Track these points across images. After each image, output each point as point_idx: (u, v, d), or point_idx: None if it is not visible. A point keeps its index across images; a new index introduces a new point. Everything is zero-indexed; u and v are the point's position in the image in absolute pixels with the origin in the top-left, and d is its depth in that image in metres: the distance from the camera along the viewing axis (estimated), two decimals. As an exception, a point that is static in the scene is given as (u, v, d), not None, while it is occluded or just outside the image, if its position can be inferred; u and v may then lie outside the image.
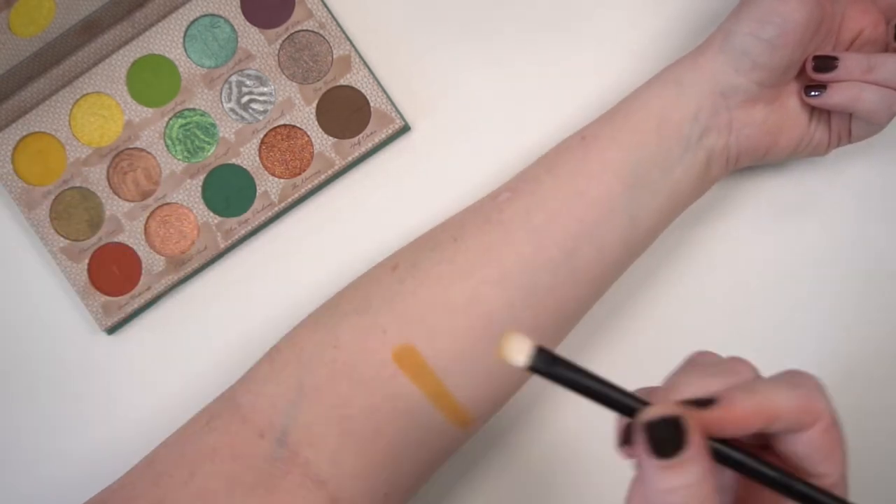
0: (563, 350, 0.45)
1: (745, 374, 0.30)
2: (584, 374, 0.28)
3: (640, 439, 0.26)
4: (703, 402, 0.27)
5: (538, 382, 0.48)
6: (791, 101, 0.43)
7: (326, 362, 0.40)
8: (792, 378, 0.29)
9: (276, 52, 0.48)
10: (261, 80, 0.48)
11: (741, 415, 0.27)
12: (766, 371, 0.48)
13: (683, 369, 0.30)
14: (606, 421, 0.48)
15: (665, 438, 0.26)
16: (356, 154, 0.48)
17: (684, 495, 0.26)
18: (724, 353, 0.48)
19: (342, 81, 0.48)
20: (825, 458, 0.29)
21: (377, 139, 0.48)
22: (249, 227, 0.48)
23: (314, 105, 0.48)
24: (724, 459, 0.28)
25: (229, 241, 0.48)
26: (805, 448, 0.28)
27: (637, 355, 0.48)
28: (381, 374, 0.39)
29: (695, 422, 0.26)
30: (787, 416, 0.28)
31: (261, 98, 0.48)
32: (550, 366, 0.27)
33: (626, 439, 0.28)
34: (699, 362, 0.30)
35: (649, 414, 0.27)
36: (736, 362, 0.31)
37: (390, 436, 0.39)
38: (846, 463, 0.29)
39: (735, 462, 0.28)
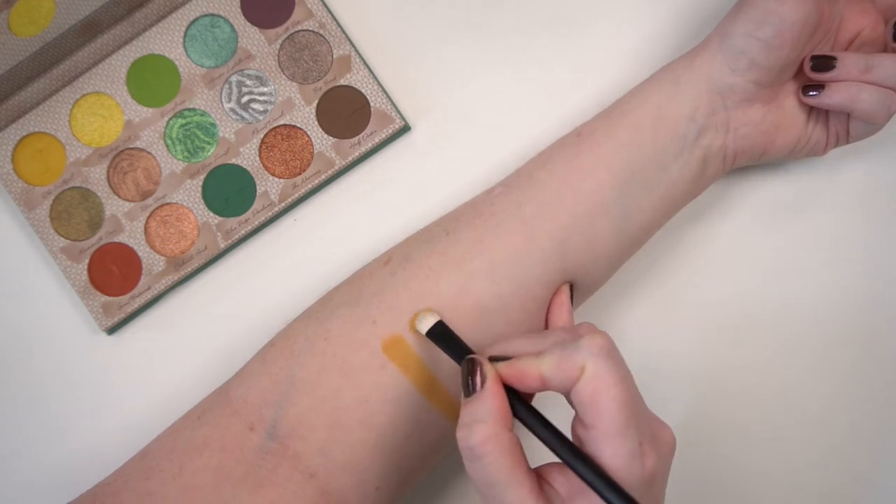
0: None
1: (549, 342, 0.35)
2: (460, 345, 0.37)
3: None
4: (502, 359, 0.35)
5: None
6: (789, 101, 0.44)
7: (317, 354, 0.40)
8: (567, 342, 0.34)
9: (276, 52, 0.48)
10: (261, 80, 0.48)
11: (517, 373, 0.34)
12: (771, 368, 0.48)
13: (519, 336, 0.36)
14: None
15: (470, 381, 0.34)
16: (356, 154, 0.48)
17: (483, 427, 0.32)
18: (722, 354, 0.48)
19: (342, 81, 0.48)
20: (587, 410, 0.32)
21: (377, 139, 0.48)
22: (249, 227, 0.48)
23: (314, 105, 0.48)
24: (516, 415, 0.34)
25: (229, 241, 0.48)
26: (574, 402, 0.33)
27: (633, 353, 0.48)
28: (371, 364, 0.39)
29: (490, 368, 0.34)
30: (552, 377, 0.33)
31: (261, 98, 0.48)
32: (439, 337, 0.37)
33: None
34: (540, 333, 0.36)
35: (463, 362, 0.35)
36: (560, 332, 0.36)
37: (380, 427, 0.39)
38: (618, 416, 0.32)
39: (520, 418, 0.34)
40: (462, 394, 0.35)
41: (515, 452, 0.33)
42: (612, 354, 0.33)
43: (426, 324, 0.38)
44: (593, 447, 0.32)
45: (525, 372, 0.34)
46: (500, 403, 0.34)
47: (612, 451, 0.32)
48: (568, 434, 0.34)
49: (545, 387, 0.34)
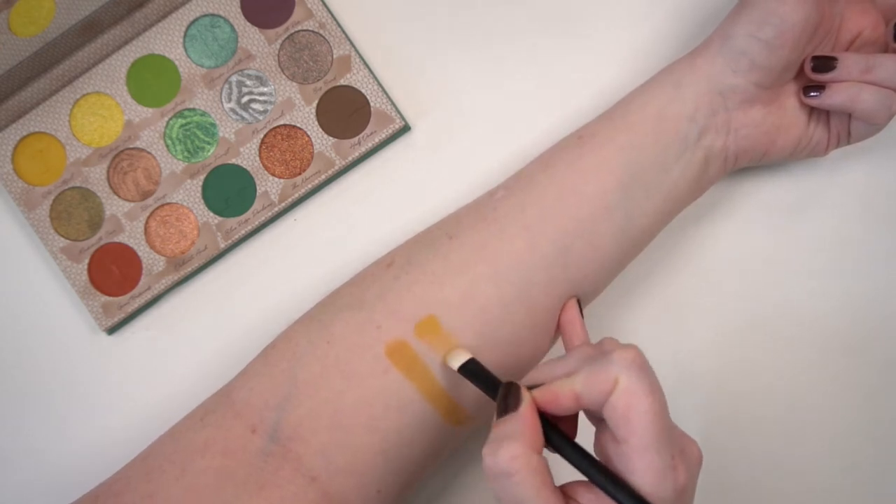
0: (558, 348, 0.46)
1: (576, 361, 0.35)
2: (492, 379, 0.37)
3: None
4: (533, 387, 0.35)
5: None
6: (790, 102, 0.43)
7: (319, 357, 0.40)
8: (597, 357, 0.34)
9: (276, 52, 0.48)
10: (261, 80, 0.48)
11: (552, 396, 0.34)
12: (772, 368, 0.48)
13: (548, 362, 0.36)
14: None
15: (505, 404, 0.34)
16: (356, 154, 0.48)
17: (515, 445, 0.33)
18: (722, 354, 0.48)
19: (342, 81, 0.48)
20: (620, 424, 0.32)
21: (377, 139, 0.48)
22: (249, 227, 0.48)
23: (314, 105, 0.48)
24: (549, 441, 0.34)
25: (229, 241, 0.48)
26: (607, 416, 0.33)
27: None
28: (375, 369, 0.39)
29: (526, 392, 0.34)
30: (586, 393, 0.33)
31: (261, 98, 0.48)
32: (471, 373, 0.38)
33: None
34: (566, 356, 0.36)
35: (501, 386, 0.36)
36: (587, 348, 0.36)
37: (383, 432, 0.39)
38: (650, 430, 0.32)
39: (552, 442, 0.34)
40: (495, 415, 0.35)
41: (544, 473, 0.33)
42: (644, 367, 0.33)
43: (458, 361, 0.38)
44: (625, 462, 0.32)
45: (559, 393, 0.34)
46: (532, 425, 0.34)
47: (644, 466, 0.32)
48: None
49: (579, 405, 0.34)
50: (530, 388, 0.35)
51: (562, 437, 0.34)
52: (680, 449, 0.33)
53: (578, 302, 0.41)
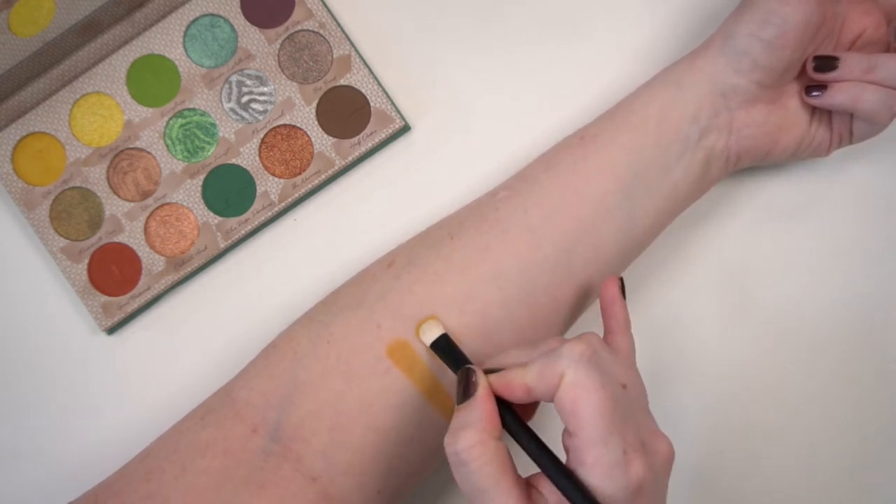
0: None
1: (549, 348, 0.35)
2: (461, 357, 0.38)
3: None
4: (493, 371, 0.35)
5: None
6: (792, 102, 0.43)
7: (320, 357, 0.40)
8: (551, 349, 0.34)
9: (276, 51, 0.48)
10: (261, 80, 0.48)
11: (505, 384, 0.34)
12: (773, 369, 0.48)
13: (514, 348, 0.37)
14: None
15: (464, 390, 0.35)
16: (356, 154, 0.48)
17: (470, 433, 0.33)
18: (722, 354, 0.48)
19: (342, 81, 0.48)
20: (569, 417, 0.33)
21: (377, 139, 0.48)
22: (249, 227, 0.48)
23: (314, 105, 0.48)
24: (505, 426, 0.35)
25: (229, 241, 0.48)
26: (558, 410, 0.33)
27: (637, 355, 0.48)
28: (375, 368, 0.39)
29: (483, 378, 0.35)
30: (536, 385, 0.34)
31: (261, 98, 0.48)
32: (441, 350, 0.38)
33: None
34: (532, 343, 0.37)
35: (459, 371, 0.36)
36: (551, 341, 0.36)
37: (383, 432, 0.39)
38: (599, 423, 0.32)
39: (507, 428, 0.35)
40: (455, 401, 0.35)
41: (503, 460, 0.33)
42: (593, 361, 0.33)
43: (430, 335, 0.39)
44: (576, 455, 0.32)
45: (512, 382, 0.34)
46: (488, 412, 0.34)
47: (592, 460, 0.32)
48: (557, 445, 0.34)
49: (531, 396, 0.34)
50: (490, 371, 0.36)
51: (517, 423, 0.35)
52: (639, 444, 0.33)
53: (621, 280, 0.39)
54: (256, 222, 0.48)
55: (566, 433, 0.33)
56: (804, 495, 0.47)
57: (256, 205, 0.48)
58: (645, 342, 0.48)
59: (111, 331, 0.48)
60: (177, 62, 0.48)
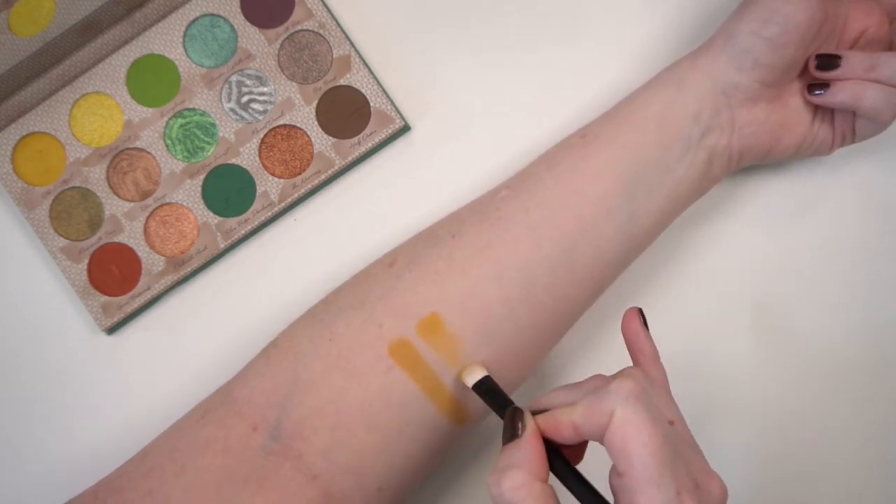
0: (563, 348, 0.45)
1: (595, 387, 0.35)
2: (504, 400, 0.38)
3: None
4: (539, 412, 0.35)
5: (536, 383, 0.48)
6: (794, 100, 0.43)
7: (321, 356, 0.40)
8: (598, 388, 0.34)
9: (276, 52, 0.48)
10: (261, 80, 0.48)
11: (553, 424, 0.34)
12: (774, 369, 0.48)
13: (560, 388, 0.36)
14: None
15: (510, 430, 0.34)
16: (356, 154, 0.48)
17: (517, 473, 0.32)
18: (725, 352, 0.48)
19: (342, 81, 0.48)
20: (619, 456, 0.32)
21: (377, 139, 0.48)
22: (249, 227, 0.48)
23: (314, 105, 0.48)
24: (553, 468, 0.34)
25: (229, 241, 0.48)
26: (607, 449, 0.32)
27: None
28: (377, 367, 0.39)
29: (530, 418, 0.34)
30: (584, 424, 0.33)
31: (261, 98, 0.48)
32: (484, 391, 0.38)
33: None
34: (577, 384, 0.36)
35: (507, 411, 0.35)
36: (596, 379, 0.36)
37: (384, 430, 0.39)
38: (650, 462, 0.31)
39: (555, 471, 0.34)
40: (502, 440, 0.35)
41: (549, 502, 0.32)
42: (642, 398, 0.32)
43: (473, 377, 0.39)
44: (627, 496, 0.31)
45: (560, 421, 0.34)
46: (536, 453, 0.33)
47: (644, 501, 0.31)
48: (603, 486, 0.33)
49: (579, 435, 0.33)
50: (536, 412, 0.35)
51: (564, 465, 0.34)
52: (693, 484, 0.32)
53: (641, 312, 0.39)
54: (256, 222, 0.48)
55: (614, 473, 0.32)
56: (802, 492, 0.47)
57: (256, 205, 0.48)
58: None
59: (111, 331, 0.48)
60: (177, 62, 0.48)
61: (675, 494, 0.31)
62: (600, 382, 0.34)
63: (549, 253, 0.41)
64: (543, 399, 0.36)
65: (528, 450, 0.33)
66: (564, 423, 0.33)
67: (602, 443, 0.33)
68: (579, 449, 0.37)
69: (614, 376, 0.34)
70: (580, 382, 0.36)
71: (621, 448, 0.31)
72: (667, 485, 0.31)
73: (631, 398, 0.32)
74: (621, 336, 0.48)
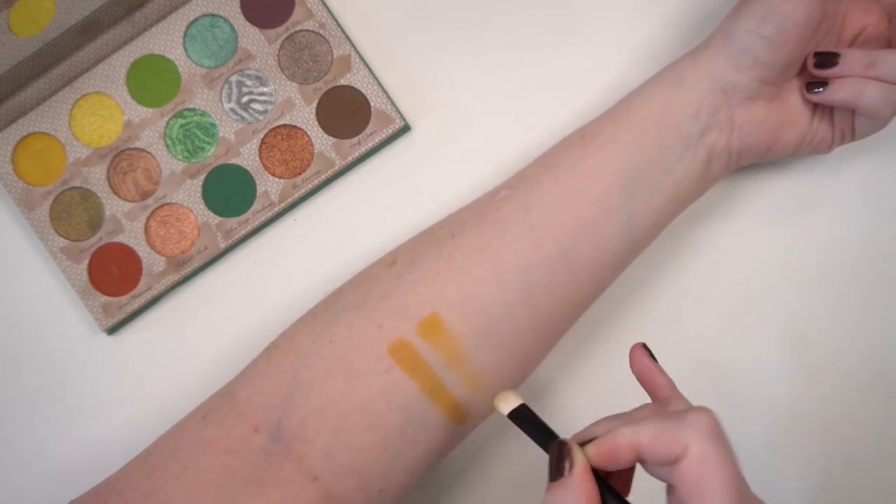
0: (563, 349, 0.45)
1: (643, 416, 0.33)
2: (540, 427, 0.35)
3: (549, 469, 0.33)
4: (587, 441, 0.33)
5: (536, 383, 0.47)
6: (793, 98, 0.43)
7: (323, 357, 0.40)
8: (669, 416, 0.32)
9: (276, 52, 0.48)
10: (261, 80, 0.48)
11: (609, 448, 0.32)
12: (775, 369, 0.47)
13: (608, 418, 0.35)
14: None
15: (558, 466, 0.32)
16: (356, 154, 0.48)
17: None
18: (725, 351, 0.48)
19: (342, 81, 0.48)
20: (692, 494, 0.30)
21: (377, 139, 0.48)
22: (249, 227, 0.48)
23: (314, 105, 0.48)
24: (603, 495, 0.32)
25: (229, 241, 0.48)
26: (677, 483, 0.31)
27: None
28: (377, 368, 0.39)
29: (579, 453, 0.32)
30: (650, 450, 0.31)
31: (261, 98, 0.48)
32: (521, 420, 0.36)
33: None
34: (628, 413, 0.35)
35: (552, 445, 0.33)
36: (651, 408, 0.35)
37: (385, 431, 0.39)
38: (724, 502, 0.30)
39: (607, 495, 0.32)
40: (548, 477, 0.33)
41: None
42: (720, 436, 0.31)
43: (508, 405, 0.36)
44: None
45: (618, 443, 0.32)
46: (588, 493, 0.32)
47: None
48: None
49: (638, 458, 0.32)
50: (584, 443, 0.33)
51: (616, 499, 0.32)
52: None
53: (646, 347, 0.38)
54: (256, 222, 0.48)
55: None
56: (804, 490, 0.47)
57: (256, 205, 0.48)
58: (644, 341, 0.48)
59: (111, 331, 0.48)
60: (177, 62, 0.48)
61: None
62: (661, 411, 0.33)
63: (548, 253, 0.41)
64: (590, 429, 0.34)
65: (579, 490, 0.31)
66: (623, 444, 0.31)
67: (663, 472, 0.31)
68: (627, 478, 0.35)
69: (681, 405, 0.33)
70: (631, 412, 0.34)
71: (697, 486, 0.30)
72: None
73: (711, 435, 0.31)
74: (621, 335, 0.48)
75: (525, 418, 0.36)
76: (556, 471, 0.32)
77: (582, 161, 0.42)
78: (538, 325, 0.41)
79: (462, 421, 0.41)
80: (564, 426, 0.47)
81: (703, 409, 0.32)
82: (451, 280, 0.40)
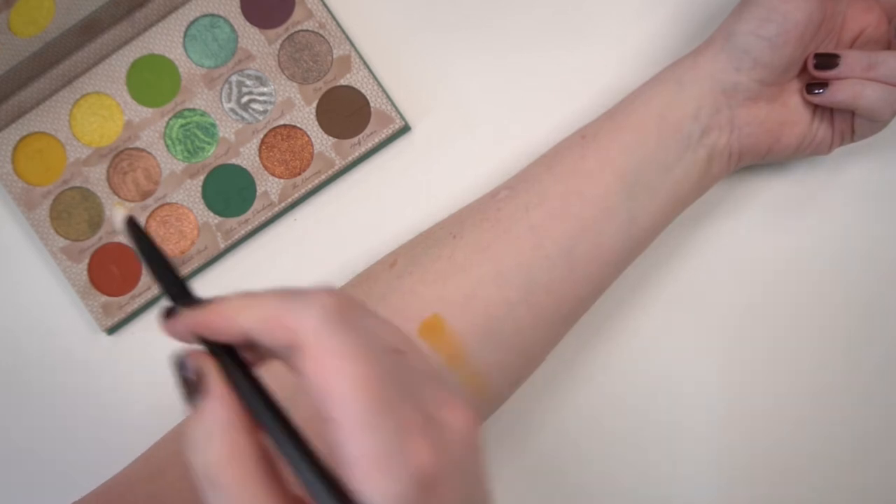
0: (562, 348, 0.45)
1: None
2: (154, 252, 0.28)
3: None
4: (202, 302, 0.27)
5: (538, 383, 0.47)
6: (793, 100, 0.43)
7: None
8: (286, 293, 0.26)
9: (276, 52, 0.48)
10: (261, 80, 0.48)
11: (210, 319, 0.26)
12: (774, 369, 0.48)
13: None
14: (605, 422, 0.48)
15: (187, 386, 0.26)
16: (356, 154, 0.48)
17: (211, 448, 0.25)
18: (724, 350, 0.48)
19: (342, 81, 0.48)
20: (319, 398, 0.24)
21: (377, 139, 0.48)
22: (249, 227, 0.48)
23: (314, 105, 0.48)
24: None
25: (229, 241, 0.48)
26: (306, 384, 0.25)
27: (637, 355, 0.48)
28: None
29: (211, 367, 0.26)
30: (258, 331, 0.25)
31: (261, 98, 0.48)
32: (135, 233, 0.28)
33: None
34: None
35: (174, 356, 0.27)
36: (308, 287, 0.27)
37: None
38: (358, 402, 0.24)
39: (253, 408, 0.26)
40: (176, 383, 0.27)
41: (260, 470, 0.25)
42: (347, 319, 0.25)
43: (118, 218, 0.28)
44: (336, 448, 0.24)
45: (218, 320, 0.26)
46: (226, 412, 0.25)
47: (356, 451, 0.24)
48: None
49: (248, 342, 0.26)
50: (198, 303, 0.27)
51: (268, 410, 0.25)
52: (425, 417, 0.25)
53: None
54: (256, 222, 0.48)
55: (318, 419, 0.25)
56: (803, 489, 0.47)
57: (256, 205, 0.48)
58: (645, 341, 0.48)
59: (111, 331, 0.48)
60: (177, 62, 0.48)
61: (395, 438, 0.24)
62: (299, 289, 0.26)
63: (549, 252, 0.41)
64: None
65: (218, 412, 0.25)
66: (225, 322, 0.25)
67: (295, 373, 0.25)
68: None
69: (309, 289, 0.26)
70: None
71: (320, 385, 0.24)
72: (384, 428, 0.24)
73: (330, 316, 0.24)
74: (621, 336, 0.48)
75: (140, 238, 0.28)
76: (187, 390, 0.26)
77: (582, 161, 0.42)
78: (539, 324, 0.41)
79: None
80: (564, 426, 0.48)
81: (325, 289, 0.26)
82: (451, 280, 0.40)
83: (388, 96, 0.48)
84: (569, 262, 0.41)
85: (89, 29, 0.46)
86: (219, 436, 0.25)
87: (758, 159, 0.44)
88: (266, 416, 0.25)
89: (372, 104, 0.48)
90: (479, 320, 0.40)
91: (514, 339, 0.40)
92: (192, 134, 0.48)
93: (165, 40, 0.48)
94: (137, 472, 0.39)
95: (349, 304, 0.25)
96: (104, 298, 0.47)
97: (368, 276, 0.42)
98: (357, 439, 0.24)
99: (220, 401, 0.25)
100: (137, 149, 0.48)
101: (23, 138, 0.48)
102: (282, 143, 0.48)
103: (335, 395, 0.24)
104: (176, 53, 0.48)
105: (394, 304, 0.40)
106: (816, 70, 0.42)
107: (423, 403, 0.25)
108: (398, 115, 0.48)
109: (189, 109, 0.48)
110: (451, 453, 0.25)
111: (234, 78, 0.48)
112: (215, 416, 0.25)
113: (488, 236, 0.41)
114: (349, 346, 0.24)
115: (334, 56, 0.48)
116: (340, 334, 0.24)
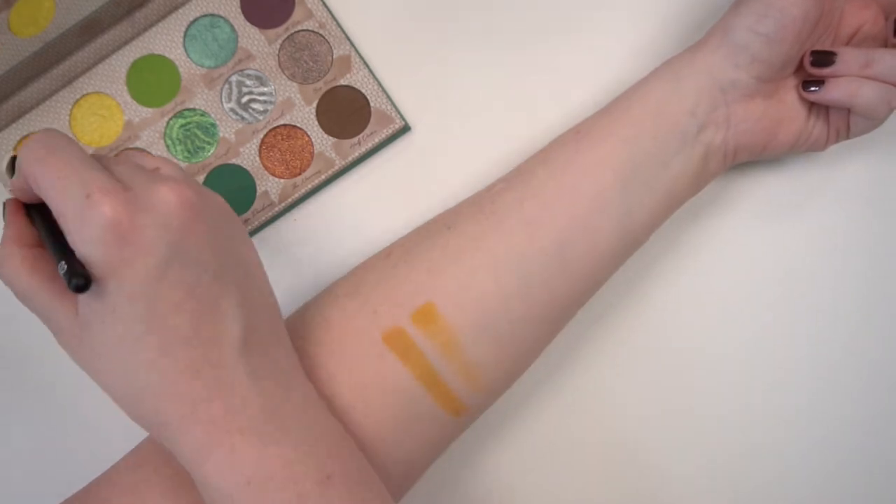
0: (561, 347, 0.45)
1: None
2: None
3: None
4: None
5: (534, 379, 0.48)
6: (789, 96, 0.44)
7: (315, 343, 0.40)
8: (141, 174, 0.34)
9: (276, 52, 0.48)
10: (261, 80, 0.48)
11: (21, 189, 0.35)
12: (772, 367, 0.48)
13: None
14: (605, 422, 0.48)
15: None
16: (356, 154, 0.48)
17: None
18: (721, 347, 0.48)
19: (342, 81, 0.48)
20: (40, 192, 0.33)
21: (377, 139, 0.48)
22: (249, 227, 0.48)
23: (314, 105, 0.48)
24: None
25: (229, 241, 0.48)
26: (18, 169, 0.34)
27: (632, 352, 0.48)
28: (370, 353, 0.39)
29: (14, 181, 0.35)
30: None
31: (261, 98, 0.48)
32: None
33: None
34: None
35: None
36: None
37: (379, 417, 0.39)
38: (48, 176, 0.32)
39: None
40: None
41: (35, 265, 0.35)
42: (187, 224, 0.33)
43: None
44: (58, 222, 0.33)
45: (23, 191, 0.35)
46: (9, 231, 0.35)
47: (61, 212, 0.32)
48: None
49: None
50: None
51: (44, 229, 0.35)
52: (112, 185, 0.32)
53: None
54: (256, 222, 0.48)
55: None
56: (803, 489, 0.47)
57: (256, 205, 0.48)
58: (642, 337, 0.48)
59: (111, 331, 0.48)
60: (177, 62, 0.48)
61: (84, 197, 0.32)
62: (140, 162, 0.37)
63: (543, 246, 0.41)
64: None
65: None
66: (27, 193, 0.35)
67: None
68: None
69: (159, 176, 0.35)
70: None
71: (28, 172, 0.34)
72: (73, 189, 0.32)
73: (172, 224, 0.33)
74: (621, 336, 0.48)
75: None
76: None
77: (578, 156, 0.42)
78: (534, 318, 0.41)
79: (458, 412, 0.41)
80: (563, 424, 0.48)
81: (171, 187, 0.33)
82: (445, 269, 0.40)
83: (388, 96, 0.48)
84: (563, 256, 0.41)
85: (89, 29, 0.46)
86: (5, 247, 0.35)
87: (754, 156, 0.45)
88: (42, 228, 0.35)
89: (372, 104, 0.48)
90: (474, 311, 0.40)
91: (509, 332, 0.40)
92: (193, 134, 0.48)
93: (165, 40, 0.48)
94: (121, 467, 0.39)
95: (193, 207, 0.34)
96: (104, 299, 0.47)
97: (364, 266, 0.43)
98: (58, 203, 0.32)
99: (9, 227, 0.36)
100: (138, 149, 0.48)
101: (23, 138, 0.48)
102: (282, 143, 0.48)
103: (42, 185, 0.33)
104: (176, 53, 0.48)
105: (387, 291, 0.40)
106: (813, 67, 0.42)
107: (128, 179, 0.33)
108: (398, 115, 0.48)
109: (189, 109, 0.48)
110: (156, 215, 0.33)
111: (234, 78, 0.48)
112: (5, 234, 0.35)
113: (482, 227, 0.41)
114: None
115: (334, 56, 0.48)
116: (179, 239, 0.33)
